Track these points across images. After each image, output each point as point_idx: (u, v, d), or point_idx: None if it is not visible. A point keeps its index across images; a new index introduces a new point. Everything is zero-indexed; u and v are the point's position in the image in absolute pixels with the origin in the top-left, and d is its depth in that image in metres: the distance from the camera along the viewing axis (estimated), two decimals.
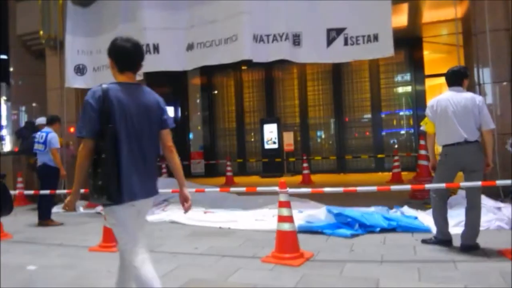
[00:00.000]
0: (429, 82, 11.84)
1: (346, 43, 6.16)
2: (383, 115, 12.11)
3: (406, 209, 5.47)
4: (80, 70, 8.02)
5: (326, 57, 6.44)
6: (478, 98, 3.92)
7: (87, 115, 2.25)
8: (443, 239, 4.07)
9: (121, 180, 2.22)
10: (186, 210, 2.61)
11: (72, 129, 9.09)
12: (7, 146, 15.14)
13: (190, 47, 6.97)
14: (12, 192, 2.82)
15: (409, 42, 10.85)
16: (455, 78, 4.05)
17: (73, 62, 8.02)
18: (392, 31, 5.89)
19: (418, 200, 6.34)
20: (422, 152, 7.26)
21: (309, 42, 6.38)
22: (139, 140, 2.33)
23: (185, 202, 2.60)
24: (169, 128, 2.50)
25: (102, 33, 7.83)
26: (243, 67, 13.47)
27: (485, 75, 6.36)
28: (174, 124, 2.60)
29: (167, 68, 7.16)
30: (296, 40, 6.40)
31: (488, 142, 3.89)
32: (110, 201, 2.22)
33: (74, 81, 8.08)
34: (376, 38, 5.96)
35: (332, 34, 6.22)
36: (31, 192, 6.32)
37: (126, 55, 2.39)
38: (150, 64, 7.07)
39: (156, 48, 7.02)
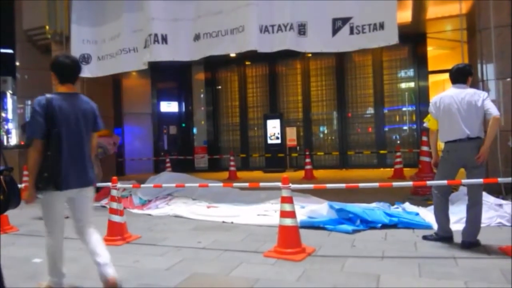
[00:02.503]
0: (432, 78, 11.78)
1: (351, 32, 6.18)
2: (386, 111, 12.08)
3: (407, 205, 5.49)
4: (85, 59, 8.09)
5: (331, 46, 6.44)
6: (481, 93, 3.93)
7: (36, 120, 2.72)
8: (444, 236, 4.09)
9: (61, 172, 2.73)
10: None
11: None
12: (13, 140, 15.26)
13: (196, 37, 7.03)
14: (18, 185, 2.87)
15: (413, 38, 10.79)
16: (460, 75, 4.04)
17: (78, 51, 8.08)
18: (397, 18, 5.89)
19: (420, 196, 6.36)
20: (424, 148, 7.26)
21: (314, 31, 6.41)
22: (77, 139, 2.85)
23: None
24: (100, 130, 3.06)
25: (106, 22, 7.90)
26: (247, 63, 13.47)
27: (488, 71, 6.34)
28: (104, 126, 3.14)
29: (175, 58, 7.21)
30: (302, 29, 6.42)
31: (491, 127, 3.76)
32: (56, 189, 2.73)
33: None
34: (382, 26, 5.98)
35: (338, 24, 6.24)
36: None
37: (66, 69, 2.88)
38: (158, 54, 7.14)
39: (164, 39, 7.09)
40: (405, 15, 8.52)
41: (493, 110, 3.78)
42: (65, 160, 2.75)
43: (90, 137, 2.99)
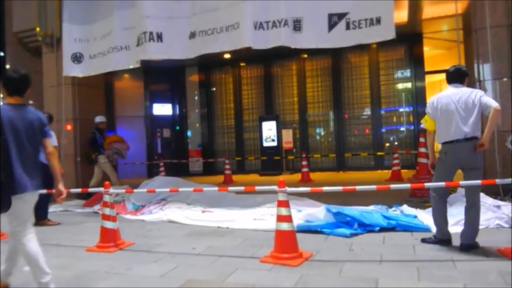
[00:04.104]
0: (429, 79, 11.79)
1: (348, 28, 6.14)
2: (382, 112, 12.06)
3: (405, 208, 5.44)
4: (77, 58, 8.01)
5: (327, 42, 6.38)
6: (478, 91, 3.91)
7: None
8: (442, 238, 4.04)
9: (14, 178, 2.91)
10: (60, 202, 3.37)
11: (69, 127, 9.05)
12: None
13: (192, 35, 6.98)
14: None
15: (409, 38, 10.79)
16: (458, 76, 4.03)
17: (70, 50, 8.01)
18: (393, 13, 5.85)
19: (418, 198, 6.30)
20: (422, 150, 7.22)
21: (310, 27, 6.36)
22: (26, 147, 3.04)
23: (60, 195, 3.27)
24: (48, 137, 3.24)
25: (97, 20, 7.84)
26: (242, 64, 13.42)
27: (485, 71, 6.33)
28: (52, 135, 3.39)
29: (170, 57, 7.15)
30: (297, 25, 6.38)
31: (491, 118, 3.70)
32: (11, 194, 2.87)
33: (71, 70, 8.07)
34: (378, 21, 5.93)
35: (334, 19, 6.20)
36: None
37: (13, 83, 3.10)
38: (154, 52, 7.08)
39: (159, 37, 7.04)
40: (401, 15, 8.52)
41: (492, 103, 3.76)
42: (15, 165, 2.93)
43: (41, 144, 3.19)
